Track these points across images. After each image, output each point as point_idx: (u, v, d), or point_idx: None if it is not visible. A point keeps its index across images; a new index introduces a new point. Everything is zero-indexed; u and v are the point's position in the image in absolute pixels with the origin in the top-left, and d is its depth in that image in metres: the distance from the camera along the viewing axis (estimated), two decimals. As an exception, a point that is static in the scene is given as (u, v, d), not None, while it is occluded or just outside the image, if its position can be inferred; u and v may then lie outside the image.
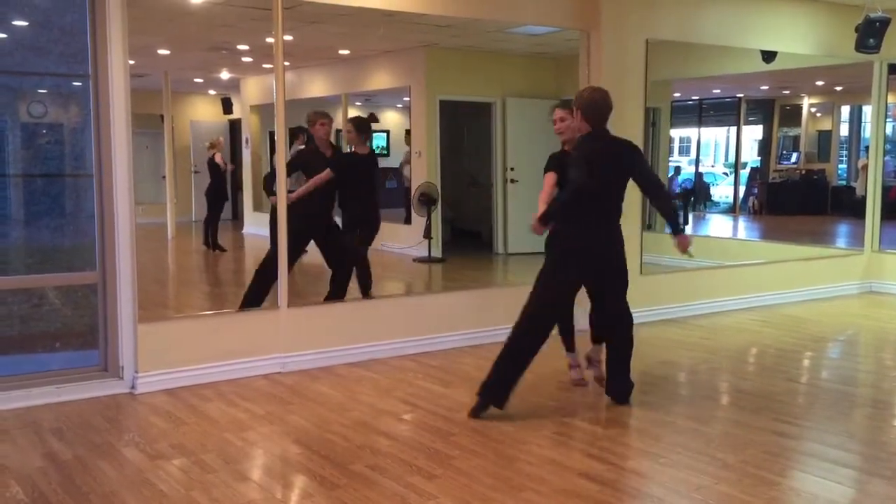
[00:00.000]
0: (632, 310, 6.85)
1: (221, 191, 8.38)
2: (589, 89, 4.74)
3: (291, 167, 5.91)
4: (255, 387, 5.17)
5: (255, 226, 7.85)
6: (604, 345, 4.92)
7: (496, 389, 4.51)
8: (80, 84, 5.15)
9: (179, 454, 3.98)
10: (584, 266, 4.63)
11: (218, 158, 8.28)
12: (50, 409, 4.67)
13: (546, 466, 3.82)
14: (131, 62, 5.00)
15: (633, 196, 6.94)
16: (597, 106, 4.60)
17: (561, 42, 7.47)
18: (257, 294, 5.80)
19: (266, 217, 5.99)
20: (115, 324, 5.02)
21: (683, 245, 4.64)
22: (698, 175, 10.75)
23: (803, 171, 10.70)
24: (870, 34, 7.41)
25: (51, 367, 4.99)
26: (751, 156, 11.08)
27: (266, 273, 5.76)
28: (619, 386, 4.78)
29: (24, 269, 5.54)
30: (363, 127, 6.69)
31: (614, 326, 4.79)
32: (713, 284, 7.71)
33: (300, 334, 5.59)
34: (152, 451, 4.02)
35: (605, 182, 4.57)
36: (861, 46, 7.48)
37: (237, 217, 9.63)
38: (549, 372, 5.29)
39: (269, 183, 5.78)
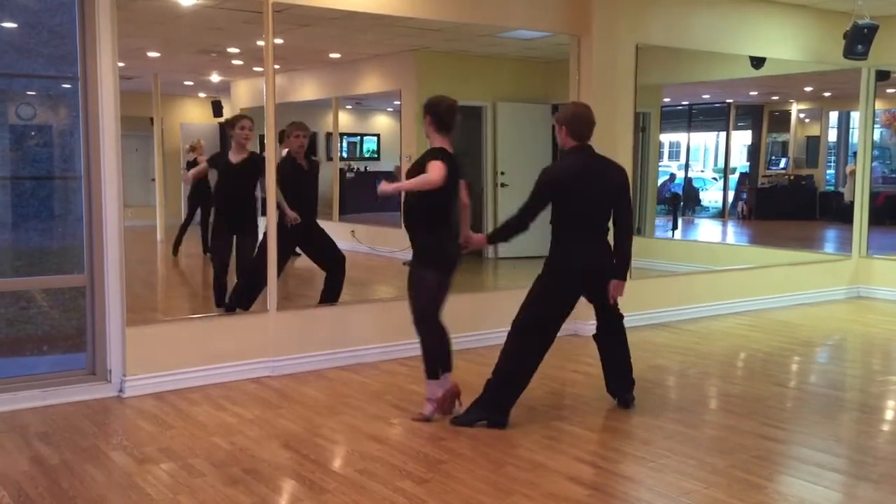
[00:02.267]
0: (622, 314, 6.93)
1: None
2: (572, 104, 4.67)
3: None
4: (244, 390, 5.15)
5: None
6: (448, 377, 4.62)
7: (495, 409, 4.44)
8: (69, 86, 5.13)
9: (167, 458, 3.96)
10: (584, 285, 4.60)
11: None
12: (37, 413, 4.64)
13: (535, 470, 3.82)
14: (121, 64, 4.98)
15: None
16: (579, 119, 4.56)
17: (552, 46, 7.49)
18: (247, 297, 5.80)
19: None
20: (102, 327, 5.00)
21: (616, 291, 4.56)
22: (688, 180, 10.79)
23: (792, 177, 10.75)
24: (858, 41, 7.46)
25: (38, 371, 4.96)
26: (740, 161, 11.13)
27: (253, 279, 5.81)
28: (626, 389, 4.83)
29: (11, 271, 5.50)
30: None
31: (614, 331, 4.80)
32: (703, 289, 7.74)
33: (289, 338, 5.58)
34: (140, 455, 4.00)
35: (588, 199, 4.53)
36: (849, 53, 7.53)
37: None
38: (538, 376, 5.28)
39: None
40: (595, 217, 4.55)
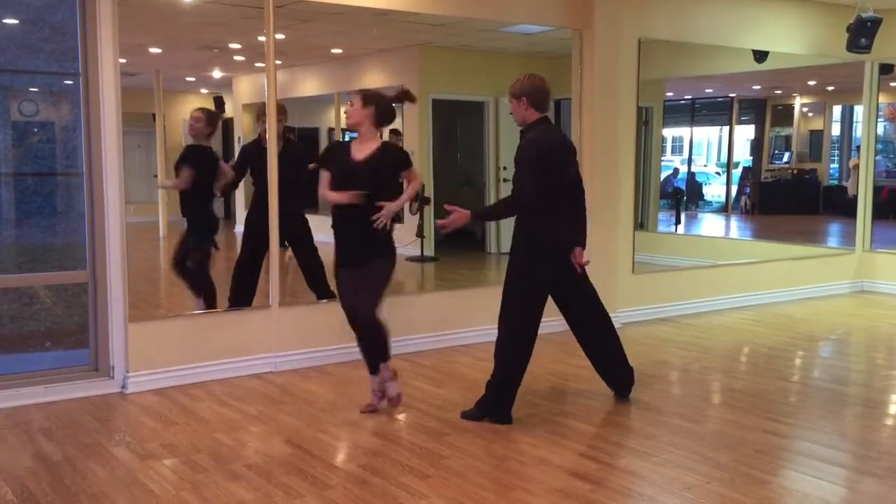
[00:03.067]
0: (624, 309, 6.93)
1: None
2: (525, 76, 4.49)
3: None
4: (247, 386, 5.15)
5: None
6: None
7: (496, 409, 4.43)
8: (71, 82, 5.13)
9: (170, 454, 3.97)
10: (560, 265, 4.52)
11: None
12: (39, 409, 4.65)
13: (538, 466, 3.82)
14: (123, 61, 4.98)
15: (625, 194, 6.98)
16: (539, 90, 4.44)
17: (554, 41, 7.46)
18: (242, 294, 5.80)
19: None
20: (105, 323, 5.00)
21: (580, 258, 4.52)
22: (691, 174, 10.76)
23: (795, 171, 10.72)
24: (861, 34, 7.43)
25: (41, 367, 4.97)
26: (743, 155, 11.10)
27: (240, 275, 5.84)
28: (621, 377, 4.81)
29: (14, 268, 5.51)
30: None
31: (596, 320, 4.72)
32: (705, 283, 7.72)
33: (292, 333, 5.58)
34: (143, 451, 4.01)
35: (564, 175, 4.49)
36: (853, 46, 7.51)
37: (229, 216, 9.59)
38: (541, 371, 5.29)
39: None
40: (564, 191, 4.46)
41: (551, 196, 4.40)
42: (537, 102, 4.44)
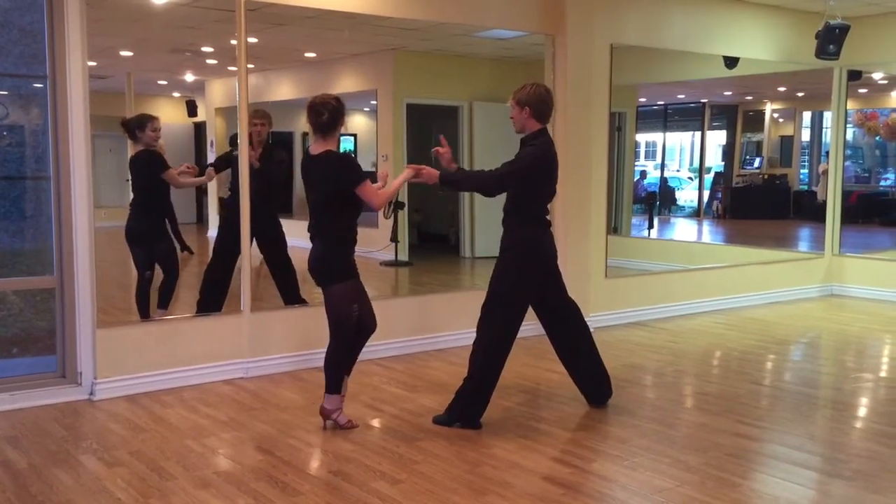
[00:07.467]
0: (598, 313, 6.95)
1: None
2: (533, 84, 4.48)
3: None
4: (218, 392, 5.10)
5: (221, 229, 7.77)
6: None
7: (468, 415, 4.43)
8: (40, 85, 5.05)
9: (138, 461, 3.91)
10: (546, 269, 4.57)
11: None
12: (5, 417, 4.57)
13: (510, 470, 3.81)
14: (93, 64, 4.92)
15: (598, 198, 7.01)
16: (544, 101, 4.45)
17: (527, 46, 7.49)
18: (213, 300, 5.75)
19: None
20: (73, 329, 4.93)
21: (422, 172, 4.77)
22: (663, 179, 10.85)
23: (766, 176, 10.84)
24: (830, 41, 7.54)
25: (7, 374, 4.89)
26: (715, 160, 11.21)
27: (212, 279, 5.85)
28: (598, 389, 4.81)
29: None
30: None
31: (567, 319, 4.73)
32: (678, 288, 7.77)
33: (264, 339, 5.54)
34: (110, 459, 3.95)
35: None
36: (821, 53, 7.60)
37: (202, 220, 9.51)
38: (512, 375, 5.29)
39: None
40: (549, 203, 4.57)
41: (540, 205, 4.47)
42: (539, 113, 4.45)
